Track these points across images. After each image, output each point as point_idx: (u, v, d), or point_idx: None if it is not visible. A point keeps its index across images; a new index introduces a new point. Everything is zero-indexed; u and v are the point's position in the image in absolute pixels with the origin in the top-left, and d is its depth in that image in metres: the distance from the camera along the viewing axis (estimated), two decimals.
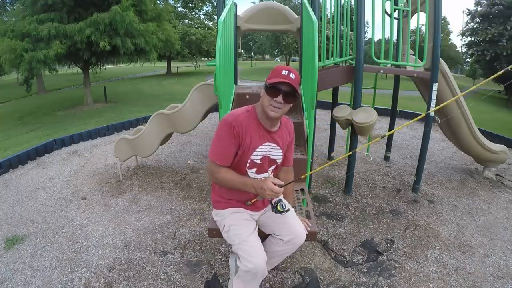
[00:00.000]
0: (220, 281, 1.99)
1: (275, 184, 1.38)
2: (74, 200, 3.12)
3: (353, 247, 2.35)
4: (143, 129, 3.44)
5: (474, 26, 15.10)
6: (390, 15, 3.07)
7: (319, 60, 3.45)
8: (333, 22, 3.40)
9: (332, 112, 3.28)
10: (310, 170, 2.57)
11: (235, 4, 3.46)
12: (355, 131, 2.95)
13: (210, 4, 24.43)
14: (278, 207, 1.48)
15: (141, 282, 1.99)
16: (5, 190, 3.38)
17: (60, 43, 7.04)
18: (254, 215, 1.63)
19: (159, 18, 9.44)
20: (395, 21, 3.42)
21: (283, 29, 3.96)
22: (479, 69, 19.22)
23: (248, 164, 1.50)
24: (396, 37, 3.50)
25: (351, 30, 3.38)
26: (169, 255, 2.25)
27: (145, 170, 3.83)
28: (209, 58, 22.87)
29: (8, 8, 14.94)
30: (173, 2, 22.56)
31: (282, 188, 1.41)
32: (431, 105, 2.99)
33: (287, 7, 4.02)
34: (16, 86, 16.99)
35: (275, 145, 1.53)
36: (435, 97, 2.97)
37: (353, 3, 3.17)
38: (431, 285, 1.97)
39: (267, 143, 1.51)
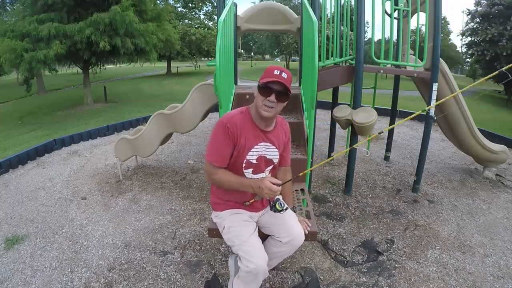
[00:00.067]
0: (220, 281, 1.99)
1: (272, 184, 1.39)
2: (74, 200, 3.12)
3: (353, 247, 2.35)
4: (143, 129, 3.44)
5: (474, 26, 15.08)
6: (390, 15, 3.07)
7: (319, 60, 3.45)
8: (333, 22, 3.40)
9: (332, 112, 3.28)
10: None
11: (235, 4, 3.46)
12: (355, 131, 2.95)
13: (210, 4, 24.43)
14: (277, 206, 1.49)
15: (141, 282, 1.99)
16: (5, 190, 3.38)
17: (60, 43, 7.04)
18: (253, 216, 1.63)
19: (159, 18, 9.43)
20: (395, 21, 3.42)
21: (283, 29, 3.96)
22: (479, 69, 19.20)
23: (244, 165, 1.50)
24: (396, 37, 3.50)
25: (351, 30, 3.38)
26: (169, 255, 2.25)
27: (145, 170, 3.83)
28: (209, 58, 22.86)
29: (8, 8, 14.93)
30: (173, 2, 22.56)
31: (280, 186, 1.41)
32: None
33: (287, 7, 4.02)
34: (16, 86, 16.98)
35: (271, 144, 1.54)
36: (435, 97, 2.97)
37: (353, 3, 3.18)
38: (431, 285, 1.97)
39: (263, 143, 1.52)
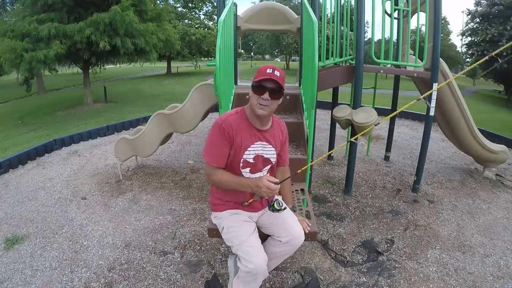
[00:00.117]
0: (220, 281, 1.99)
1: (270, 182, 1.40)
2: (74, 200, 3.12)
3: (353, 247, 2.35)
4: (143, 129, 3.44)
5: (474, 26, 15.09)
6: (390, 15, 3.07)
7: (319, 60, 3.45)
8: (333, 22, 3.40)
9: (332, 112, 3.28)
10: (310, 170, 2.58)
11: (235, 4, 3.46)
12: (355, 131, 2.95)
13: (210, 4, 24.42)
14: (275, 205, 1.50)
15: (141, 282, 1.99)
16: (5, 190, 3.38)
17: (60, 43, 7.04)
18: (253, 216, 1.63)
19: (159, 18, 9.43)
20: (395, 21, 3.42)
21: (283, 29, 3.96)
22: (479, 69, 19.21)
23: (241, 164, 1.52)
24: (396, 37, 3.50)
25: (351, 30, 3.38)
26: (169, 255, 2.25)
27: (145, 170, 3.83)
28: (209, 58, 22.86)
29: (8, 8, 14.92)
30: (173, 2, 22.56)
31: (279, 185, 1.42)
32: (431, 105, 2.99)
33: (287, 7, 4.01)
34: (16, 86, 16.98)
35: (267, 143, 1.56)
36: (435, 97, 2.97)
37: (353, 3, 3.17)
38: (431, 285, 1.97)
39: (259, 142, 1.53)
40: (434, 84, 2.93)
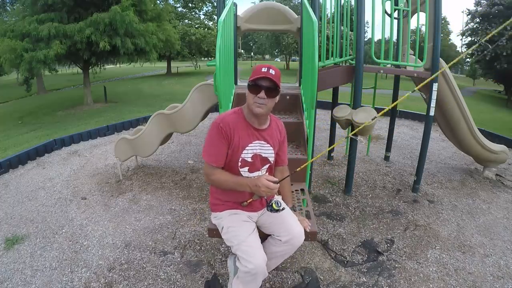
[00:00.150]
0: (220, 281, 1.99)
1: (269, 181, 1.41)
2: (74, 200, 3.12)
3: (353, 247, 2.34)
4: (143, 129, 3.44)
5: (474, 26, 15.09)
6: (390, 15, 3.07)
7: (319, 60, 3.45)
8: (333, 22, 3.40)
9: (332, 112, 3.28)
10: (310, 170, 2.58)
11: (235, 4, 3.46)
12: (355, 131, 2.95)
13: (210, 4, 24.42)
14: (274, 205, 1.51)
15: (141, 282, 1.99)
16: (5, 190, 3.38)
17: (60, 43, 7.04)
18: (252, 216, 1.63)
19: (159, 18, 9.43)
20: (395, 21, 3.42)
21: (283, 29, 3.96)
22: (479, 69, 19.22)
23: (239, 163, 1.52)
24: (396, 37, 3.50)
25: (351, 30, 3.38)
26: (169, 255, 2.25)
27: (145, 170, 3.83)
28: (209, 58, 22.85)
29: (8, 8, 14.92)
30: (173, 2, 22.56)
31: (278, 184, 1.43)
32: (431, 105, 2.99)
33: (287, 7, 4.01)
34: (16, 86, 16.98)
35: (265, 143, 1.56)
36: (435, 97, 2.97)
37: (353, 3, 3.17)
38: (431, 285, 1.97)
39: (257, 141, 1.54)
40: (434, 84, 2.93)
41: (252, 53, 47.66)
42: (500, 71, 14.24)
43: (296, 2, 22.71)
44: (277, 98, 1.50)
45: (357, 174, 3.65)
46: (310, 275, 2.04)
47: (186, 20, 22.88)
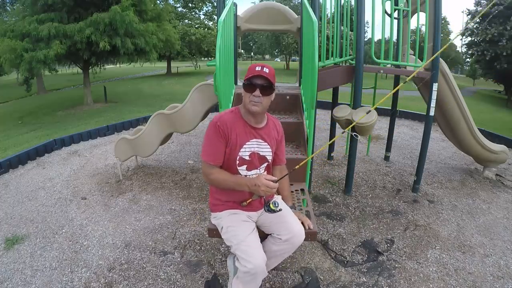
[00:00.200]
0: (220, 281, 1.99)
1: (268, 180, 1.42)
2: (74, 200, 3.12)
3: (353, 247, 2.34)
4: (143, 129, 3.44)
5: (474, 26, 15.08)
6: (390, 15, 3.07)
7: (319, 60, 3.45)
8: (333, 22, 3.40)
9: (332, 112, 3.28)
10: (310, 170, 2.57)
11: (235, 4, 3.46)
12: (356, 131, 2.94)
13: (210, 4, 24.42)
14: (271, 205, 1.52)
15: (141, 282, 1.99)
16: (5, 190, 3.38)
17: (60, 43, 7.04)
18: (252, 216, 1.63)
19: (159, 18, 9.43)
20: (395, 21, 3.42)
21: (283, 29, 3.96)
22: (479, 69, 19.22)
23: (237, 162, 1.53)
24: (396, 37, 3.50)
25: (351, 30, 3.38)
26: (169, 255, 2.25)
27: (145, 170, 3.83)
28: (209, 58, 22.85)
29: (8, 8, 14.92)
30: (173, 2, 22.55)
31: (277, 183, 1.44)
32: (431, 105, 2.99)
33: (287, 7, 4.01)
34: (16, 86, 16.98)
35: (263, 141, 1.57)
36: (435, 97, 2.97)
37: (353, 3, 3.17)
38: (431, 285, 1.97)
39: (254, 140, 1.55)
40: (434, 84, 2.93)
41: (252, 53, 47.64)
42: (500, 71, 14.24)
43: (296, 2, 22.71)
44: (273, 96, 1.52)
45: (357, 174, 3.65)
46: (310, 275, 2.04)
47: (186, 20, 22.87)
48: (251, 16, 3.83)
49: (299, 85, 3.65)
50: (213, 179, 1.52)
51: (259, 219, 1.67)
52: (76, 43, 7.28)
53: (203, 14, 25.31)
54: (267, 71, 1.45)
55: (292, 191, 2.22)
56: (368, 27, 13.30)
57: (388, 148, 4.21)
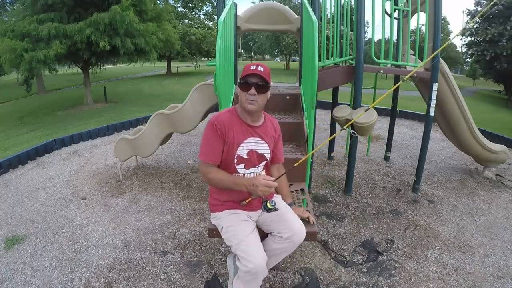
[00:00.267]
0: (220, 281, 1.99)
1: (267, 180, 1.43)
2: (74, 200, 3.12)
3: (353, 247, 2.35)
4: (143, 129, 3.44)
5: (474, 26, 15.09)
6: (390, 15, 3.07)
7: (319, 60, 3.45)
8: (333, 22, 3.40)
9: (332, 112, 3.28)
10: (310, 170, 2.57)
11: (235, 4, 3.46)
12: (356, 131, 2.95)
13: (210, 4, 24.42)
14: (268, 204, 1.53)
15: (141, 282, 1.99)
16: (5, 190, 3.38)
17: (60, 43, 7.04)
18: (252, 215, 1.63)
19: (159, 18, 9.43)
20: (395, 21, 3.42)
21: (283, 29, 3.95)
22: (479, 69, 19.22)
23: (236, 160, 1.54)
24: (396, 37, 3.50)
25: (351, 30, 3.38)
26: (169, 255, 2.25)
27: (145, 170, 3.83)
28: (209, 58, 22.85)
29: (8, 8, 14.93)
30: (173, 2, 22.55)
31: (275, 182, 1.45)
32: (431, 105, 2.99)
33: (287, 7, 4.01)
34: (16, 86, 16.98)
35: (260, 139, 1.59)
36: (435, 97, 2.97)
37: (353, 3, 3.17)
38: (431, 285, 1.97)
39: (252, 138, 1.56)
40: (434, 84, 2.93)
41: (252, 53, 47.66)
42: (500, 71, 14.24)
43: (296, 2, 22.71)
44: (268, 94, 1.54)
45: (357, 174, 3.65)
46: (310, 275, 2.04)
47: (186, 20, 22.87)
48: (251, 16, 3.83)
49: (299, 85, 3.65)
50: (211, 178, 1.52)
51: (259, 219, 1.67)
52: (76, 43, 7.28)
53: (203, 14, 25.33)
54: (262, 70, 1.47)
55: (292, 191, 2.22)
56: (368, 27, 13.30)
57: (388, 148, 4.21)
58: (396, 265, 2.15)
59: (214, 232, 1.70)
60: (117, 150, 3.57)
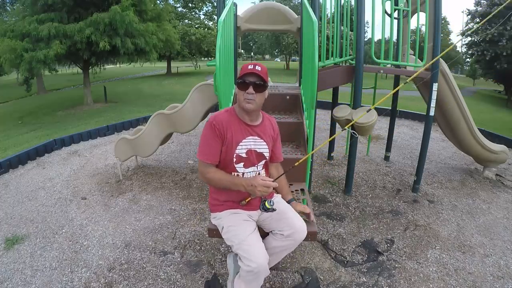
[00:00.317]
0: (220, 281, 1.99)
1: (266, 181, 1.44)
2: (74, 200, 3.12)
3: (353, 247, 2.35)
4: (143, 129, 3.45)
5: (474, 26, 15.09)
6: (390, 15, 3.07)
7: (319, 60, 3.45)
8: (333, 22, 3.40)
9: (332, 112, 3.28)
10: (310, 170, 2.57)
11: (235, 4, 3.46)
12: (356, 131, 2.95)
13: (210, 4, 24.42)
14: (266, 204, 1.53)
15: (141, 282, 1.99)
16: (5, 190, 3.39)
17: (60, 43, 7.04)
18: (253, 215, 1.63)
19: (159, 18, 9.43)
20: (395, 21, 3.42)
21: (283, 29, 3.95)
22: (479, 69, 19.22)
23: (235, 159, 1.55)
24: (396, 37, 3.50)
25: (351, 30, 3.38)
26: (169, 255, 2.25)
27: (145, 170, 3.83)
28: (209, 58, 22.85)
29: (8, 8, 14.93)
30: (173, 2, 22.55)
31: (276, 182, 1.46)
32: (431, 105, 2.99)
33: (287, 7, 4.01)
34: (16, 86, 16.98)
35: (259, 138, 1.60)
36: (435, 97, 2.97)
37: (353, 3, 3.17)
38: (431, 285, 1.97)
39: (250, 137, 1.57)
40: (434, 84, 2.93)
41: (252, 53, 47.66)
42: (500, 71, 14.23)
43: (296, 2, 22.71)
44: (266, 93, 1.55)
45: (357, 174, 3.65)
46: (310, 275, 2.04)
47: (186, 20, 22.87)
48: (251, 16, 3.83)
49: (299, 85, 3.65)
50: (210, 178, 1.53)
51: (259, 218, 1.67)
52: (76, 43, 7.28)
53: (203, 14, 25.34)
54: (260, 69, 1.48)
55: (292, 191, 2.22)
56: (368, 27, 13.31)
57: (388, 148, 4.21)
58: (396, 265, 2.15)
59: (214, 232, 1.70)
60: (117, 150, 3.57)
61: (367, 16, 2.92)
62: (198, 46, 20.70)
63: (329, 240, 2.42)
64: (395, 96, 4.01)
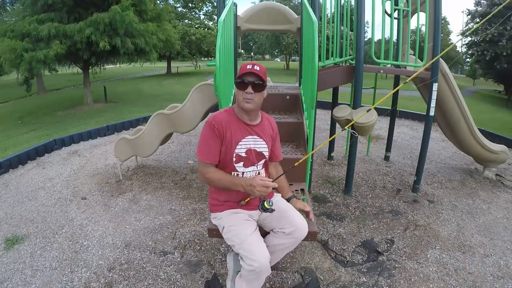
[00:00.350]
0: (220, 281, 1.99)
1: (265, 181, 1.44)
2: (74, 200, 3.12)
3: (353, 247, 2.35)
4: (143, 129, 3.45)
5: (474, 26, 15.08)
6: (390, 15, 3.07)
7: (319, 60, 3.45)
8: (333, 22, 3.40)
9: (332, 112, 3.28)
10: (310, 170, 2.57)
11: (235, 4, 3.46)
12: (356, 131, 2.95)
13: (210, 4, 24.43)
14: (265, 204, 1.54)
15: (141, 282, 1.99)
16: (5, 190, 3.39)
17: (60, 43, 7.04)
18: (253, 215, 1.63)
19: (159, 18, 9.43)
20: (395, 21, 3.42)
21: (283, 29, 3.95)
22: (479, 69, 19.22)
23: (234, 159, 1.55)
24: (396, 37, 3.50)
25: (351, 30, 3.38)
26: (169, 255, 2.25)
27: (145, 170, 3.83)
28: (209, 58, 22.85)
29: (8, 8, 14.93)
30: (173, 2, 22.56)
31: (276, 182, 1.46)
32: (431, 105, 2.99)
33: (287, 7, 4.01)
34: (16, 86, 16.98)
35: (258, 137, 1.60)
36: (435, 97, 2.97)
37: (353, 3, 3.17)
38: (431, 285, 1.97)
39: (250, 136, 1.58)
40: (434, 84, 2.93)
41: (252, 53, 47.65)
42: (500, 71, 14.23)
43: (296, 2, 22.72)
44: (265, 93, 1.55)
45: (357, 174, 3.65)
46: (310, 275, 2.04)
47: (186, 20, 22.88)
48: (251, 16, 3.82)
49: (299, 85, 3.65)
50: (209, 178, 1.53)
51: (260, 217, 1.67)
52: (76, 43, 7.28)
53: (203, 14, 25.34)
54: (258, 69, 1.49)
55: (292, 191, 2.22)
56: (368, 27, 13.31)
57: (388, 148, 4.21)
58: (396, 265, 2.15)
59: (214, 232, 1.70)
60: (117, 150, 3.57)
61: (367, 16, 2.92)
62: (198, 46, 20.71)
63: (329, 240, 2.42)
64: (395, 96, 4.01)
